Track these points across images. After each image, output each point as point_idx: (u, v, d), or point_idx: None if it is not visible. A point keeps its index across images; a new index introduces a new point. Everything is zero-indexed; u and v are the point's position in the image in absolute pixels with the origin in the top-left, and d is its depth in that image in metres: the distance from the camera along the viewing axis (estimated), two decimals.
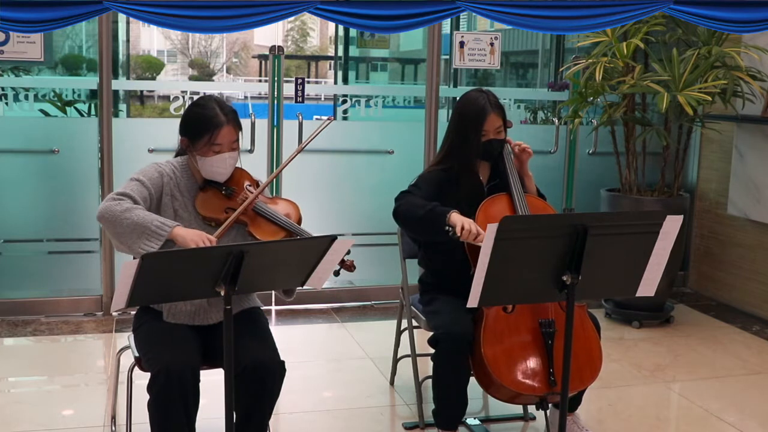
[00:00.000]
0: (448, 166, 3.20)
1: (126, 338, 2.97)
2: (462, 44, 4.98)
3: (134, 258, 2.54)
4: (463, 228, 2.89)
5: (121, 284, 2.22)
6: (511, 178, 3.16)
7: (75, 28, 8.53)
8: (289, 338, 4.47)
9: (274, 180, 4.83)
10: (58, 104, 5.41)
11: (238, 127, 2.81)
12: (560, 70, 6.25)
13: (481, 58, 5.02)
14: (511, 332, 2.95)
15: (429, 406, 3.20)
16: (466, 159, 3.17)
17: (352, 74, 12.97)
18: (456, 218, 2.93)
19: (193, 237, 2.58)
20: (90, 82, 5.58)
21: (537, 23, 4.36)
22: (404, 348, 3.65)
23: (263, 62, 22.59)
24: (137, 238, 2.57)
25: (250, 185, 2.85)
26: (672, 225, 2.45)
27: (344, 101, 5.70)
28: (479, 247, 2.34)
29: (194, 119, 2.80)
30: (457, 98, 3.51)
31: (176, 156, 2.93)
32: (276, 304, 4.97)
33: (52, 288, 4.92)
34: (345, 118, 6.57)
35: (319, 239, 2.43)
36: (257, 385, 2.65)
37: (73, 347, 4.33)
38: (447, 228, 2.93)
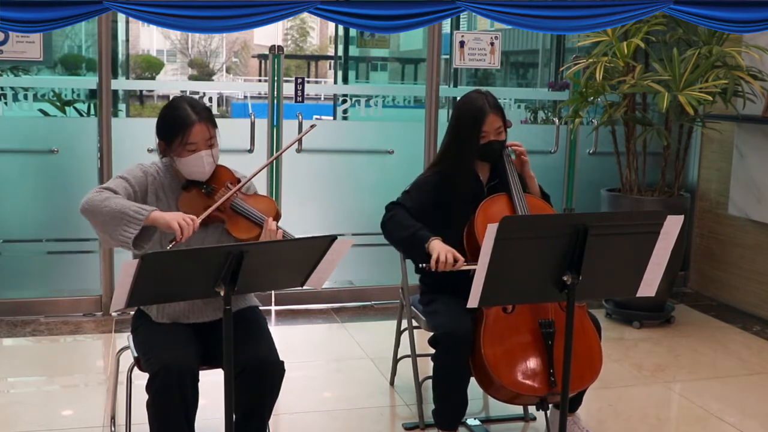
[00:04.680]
0: (444, 168, 3.20)
1: (125, 338, 2.97)
2: (462, 44, 4.97)
3: (129, 249, 2.58)
4: (438, 260, 2.90)
5: (120, 284, 2.22)
6: (510, 178, 3.15)
7: (75, 28, 8.54)
8: (289, 338, 4.46)
9: (272, 180, 4.83)
10: (58, 104, 5.40)
11: (212, 125, 2.79)
12: (560, 69, 6.24)
13: (481, 58, 5.02)
14: (511, 333, 2.94)
15: (429, 407, 3.20)
16: (464, 161, 3.16)
17: (352, 74, 12.99)
18: (435, 245, 2.95)
19: (175, 217, 2.56)
20: (89, 81, 5.58)
21: (537, 23, 4.36)
22: (404, 348, 3.65)
23: (263, 62, 22.57)
24: (116, 225, 2.55)
25: (231, 183, 2.83)
26: (672, 225, 2.45)
27: (344, 101, 5.70)
28: (480, 247, 2.33)
29: (167, 121, 2.79)
30: (458, 98, 3.51)
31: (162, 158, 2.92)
32: (276, 304, 4.96)
33: (52, 288, 4.91)
34: (345, 118, 6.57)
35: (319, 239, 2.43)
36: (257, 385, 2.65)
37: (72, 347, 4.32)
38: (421, 265, 2.96)
